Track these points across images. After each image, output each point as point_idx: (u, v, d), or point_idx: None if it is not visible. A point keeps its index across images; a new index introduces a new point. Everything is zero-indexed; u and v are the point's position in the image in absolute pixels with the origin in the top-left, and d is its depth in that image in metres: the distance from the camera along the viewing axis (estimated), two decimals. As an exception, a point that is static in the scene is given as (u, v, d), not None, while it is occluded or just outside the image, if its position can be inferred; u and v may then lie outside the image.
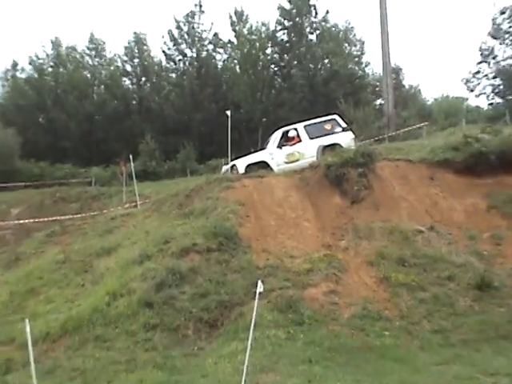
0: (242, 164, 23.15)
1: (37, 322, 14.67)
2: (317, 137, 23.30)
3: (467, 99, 57.89)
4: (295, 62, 48.90)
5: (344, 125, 24.30)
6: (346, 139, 23.28)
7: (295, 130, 23.74)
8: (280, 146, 23.35)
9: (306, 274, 15.91)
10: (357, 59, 52.72)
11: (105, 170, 39.90)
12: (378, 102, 49.29)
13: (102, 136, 48.77)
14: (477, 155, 20.29)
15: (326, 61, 48.76)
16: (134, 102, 51.51)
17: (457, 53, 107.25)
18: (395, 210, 18.89)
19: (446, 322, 14.40)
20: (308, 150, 22.94)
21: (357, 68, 51.66)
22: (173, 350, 13.65)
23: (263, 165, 22.80)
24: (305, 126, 23.85)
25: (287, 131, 23.83)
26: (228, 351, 13.14)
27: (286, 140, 23.52)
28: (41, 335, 14.39)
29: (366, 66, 53.22)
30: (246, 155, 24.66)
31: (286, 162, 22.87)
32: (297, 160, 22.85)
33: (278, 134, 24.05)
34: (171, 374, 12.43)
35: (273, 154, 23.26)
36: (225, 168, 24.42)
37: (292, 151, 23.14)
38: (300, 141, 23.35)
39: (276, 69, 50.02)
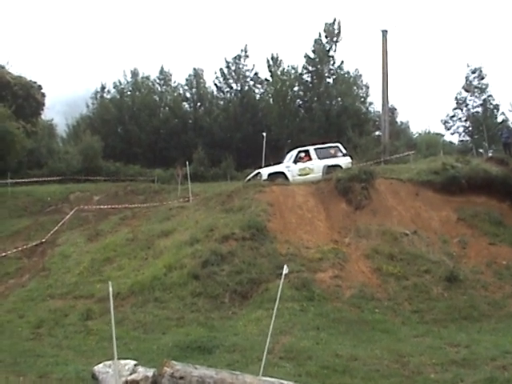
0: (265, 172, 23.09)
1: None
2: (323, 158, 23.33)
3: (443, 135, 57.02)
4: (315, 99, 48.50)
5: (344, 151, 24.37)
6: (345, 162, 23.26)
7: (308, 151, 23.76)
8: (295, 161, 23.31)
9: (318, 262, 15.94)
10: (362, 99, 52.13)
11: (165, 172, 39.68)
12: (377, 133, 48.69)
13: (164, 145, 48.69)
14: (451, 178, 20.28)
15: (339, 99, 48.28)
16: (190, 121, 51.33)
17: (438, 99, 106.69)
18: (388, 217, 18.78)
19: (423, 304, 14.39)
20: (316, 167, 22.95)
21: (362, 106, 51.12)
22: (212, 313, 13.76)
23: (281, 175, 22.74)
24: (315, 149, 23.83)
25: (301, 151, 23.83)
26: (255, 317, 13.22)
27: (300, 158, 23.46)
28: (113, 294, 14.47)
29: (369, 105, 52.53)
30: (267, 166, 24.72)
31: (299, 175, 22.80)
32: (307, 174, 22.82)
33: (294, 153, 24.01)
34: (211, 331, 12.52)
35: (289, 167, 23.17)
36: (251, 175, 24.41)
37: (304, 167, 23.08)
38: (311, 159, 23.30)
39: (300, 102, 49.60)
